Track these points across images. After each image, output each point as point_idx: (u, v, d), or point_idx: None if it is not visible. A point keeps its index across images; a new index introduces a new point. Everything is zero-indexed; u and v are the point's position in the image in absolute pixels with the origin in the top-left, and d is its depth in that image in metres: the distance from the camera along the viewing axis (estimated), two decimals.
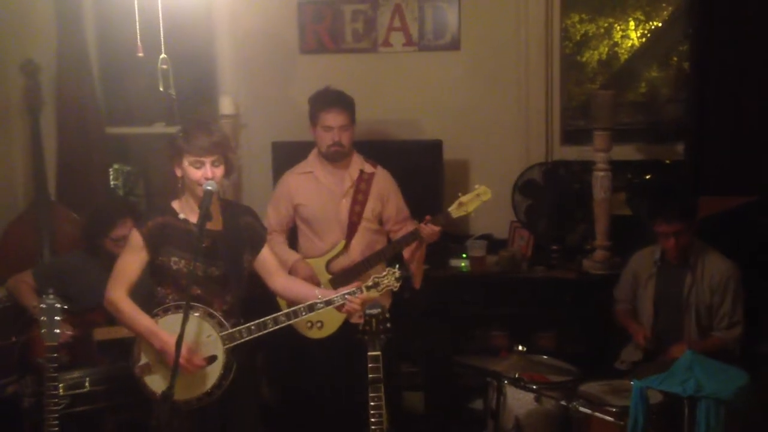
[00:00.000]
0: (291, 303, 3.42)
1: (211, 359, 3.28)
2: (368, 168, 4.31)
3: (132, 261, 3.34)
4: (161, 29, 3.40)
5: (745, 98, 4.70)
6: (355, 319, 3.85)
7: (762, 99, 4.69)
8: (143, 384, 3.35)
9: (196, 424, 3.35)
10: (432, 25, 5.24)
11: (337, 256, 4.23)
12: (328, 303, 3.33)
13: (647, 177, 5.33)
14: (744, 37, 4.67)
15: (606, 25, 5.44)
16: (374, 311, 3.14)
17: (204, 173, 3.25)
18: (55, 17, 5.23)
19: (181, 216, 3.35)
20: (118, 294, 3.32)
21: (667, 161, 5.20)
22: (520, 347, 3.77)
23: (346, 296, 3.32)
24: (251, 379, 3.56)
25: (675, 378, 3.41)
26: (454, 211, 4.01)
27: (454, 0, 5.19)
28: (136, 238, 3.33)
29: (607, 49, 5.45)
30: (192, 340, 3.24)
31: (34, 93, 5.14)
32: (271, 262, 3.52)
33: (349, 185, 4.26)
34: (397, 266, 3.41)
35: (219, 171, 3.29)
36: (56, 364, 3.41)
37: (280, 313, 3.33)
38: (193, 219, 3.31)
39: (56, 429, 3.42)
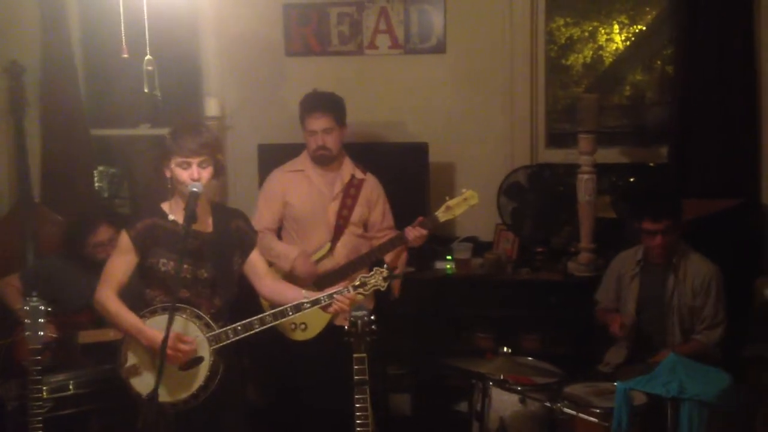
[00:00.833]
0: (278, 306, 3.41)
1: (198, 360, 3.28)
2: (359, 173, 4.31)
3: (121, 262, 3.34)
4: (146, 31, 3.39)
5: (728, 101, 4.73)
6: (339, 321, 3.86)
7: (746, 102, 4.72)
8: (130, 385, 3.33)
9: (183, 427, 3.34)
10: (418, 28, 5.25)
11: (321, 258, 4.23)
12: (315, 303, 3.33)
13: (632, 180, 5.36)
14: (727, 41, 4.70)
15: (590, 28, 5.46)
16: (359, 313, 3.14)
17: (190, 174, 3.24)
18: (40, 18, 5.20)
19: (171, 218, 3.34)
20: (107, 294, 3.32)
21: (652, 164, 5.23)
22: (506, 349, 3.78)
23: (334, 296, 3.32)
24: (238, 382, 3.55)
25: (658, 380, 3.42)
26: (441, 215, 4.02)
27: (440, 3, 5.20)
28: (124, 239, 3.33)
29: (591, 52, 5.48)
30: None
31: (19, 94, 5.11)
32: (260, 266, 3.52)
33: (339, 189, 4.26)
34: (385, 266, 3.41)
35: (206, 172, 3.28)
36: (40, 367, 3.39)
37: (267, 313, 3.33)
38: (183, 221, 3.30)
39: None
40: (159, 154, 3.32)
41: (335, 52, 5.36)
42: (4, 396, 3.96)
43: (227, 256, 3.40)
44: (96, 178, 5.67)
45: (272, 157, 4.78)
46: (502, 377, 3.64)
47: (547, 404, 3.55)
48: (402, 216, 4.26)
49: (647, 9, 5.38)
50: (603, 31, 5.44)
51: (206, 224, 3.39)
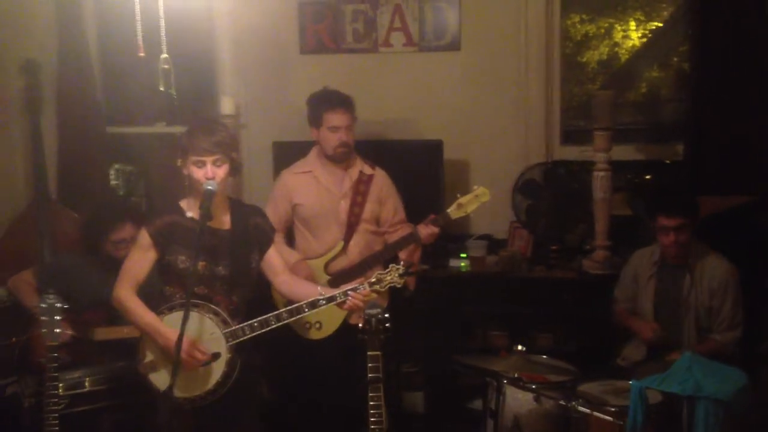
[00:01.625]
0: (294, 302, 3.41)
1: (215, 356, 3.29)
2: (367, 169, 4.31)
3: (140, 259, 3.35)
4: (162, 29, 3.40)
5: (744, 98, 4.70)
6: (354, 320, 3.87)
7: (761, 99, 4.70)
8: (148, 381, 3.36)
9: (200, 422, 3.36)
10: (432, 25, 5.25)
11: (335, 257, 4.23)
12: (331, 299, 3.34)
13: (647, 177, 5.34)
14: (743, 38, 4.67)
15: (606, 25, 5.44)
16: (373, 311, 3.14)
17: (205, 173, 3.26)
18: (56, 17, 5.23)
19: (189, 215, 3.36)
20: (125, 291, 3.34)
21: (667, 161, 5.20)
22: (520, 347, 3.78)
23: (349, 292, 3.33)
24: (253, 378, 3.55)
25: (674, 378, 3.41)
26: (453, 212, 4.02)
27: (455, 0, 5.20)
28: (144, 236, 3.34)
29: (607, 49, 5.45)
30: (195, 337, 3.24)
31: (35, 92, 5.13)
32: (276, 262, 3.53)
33: (348, 186, 4.26)
34: (402, 262, 3.42)
35: (221, 171, 3.29)
36: (56, 364, 3.41)
37: (283, 309, 3.34)
38: None
39: (56, 429, 3.40)
40: (177, 152, 3.33)
41: (350, 50, 5.36)
42: (20, 393, 3.99)
43: (245, 253, 3.41)
44: (112, 176, 5.69)
45: (287, 154, 4.80)
46: (516, 375, 3.63)
47: (562, 402, 3.54)
48: (417, 214, 4.26)
49: (663, 6, 5.35)
50: (619, 27, 5.42)
51: (224, 221, 3.40)
